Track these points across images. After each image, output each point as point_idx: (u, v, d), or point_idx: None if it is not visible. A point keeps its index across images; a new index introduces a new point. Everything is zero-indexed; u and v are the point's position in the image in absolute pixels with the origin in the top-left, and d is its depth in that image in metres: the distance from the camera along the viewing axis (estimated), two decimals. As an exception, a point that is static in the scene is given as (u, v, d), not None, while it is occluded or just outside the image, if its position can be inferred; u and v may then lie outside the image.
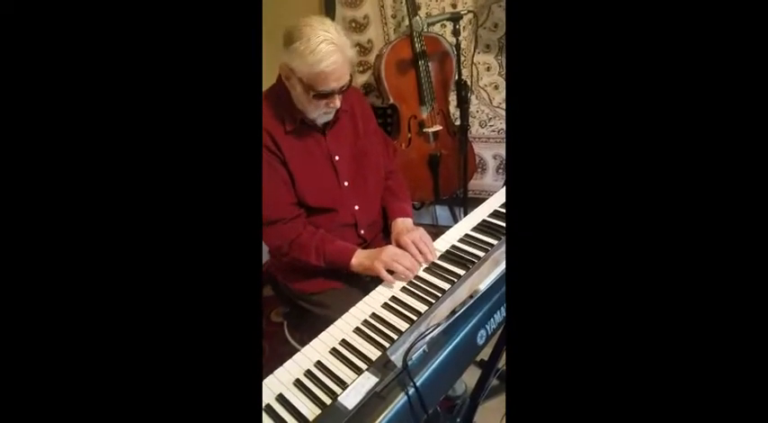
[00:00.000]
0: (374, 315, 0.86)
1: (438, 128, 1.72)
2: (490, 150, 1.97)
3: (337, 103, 0.94)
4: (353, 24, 1.86)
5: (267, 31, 0.88)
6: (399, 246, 1.02)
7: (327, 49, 0.85)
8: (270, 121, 0.98)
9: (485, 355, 0.96)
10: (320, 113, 0.97)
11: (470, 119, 1.84)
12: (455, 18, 1.46)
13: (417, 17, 1.50)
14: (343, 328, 0.84)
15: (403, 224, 1.10)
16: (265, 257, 1.18)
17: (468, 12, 1.57)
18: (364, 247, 1.12)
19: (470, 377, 1.06)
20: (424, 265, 0.98)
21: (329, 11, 1.80)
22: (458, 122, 1.77)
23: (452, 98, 1.77)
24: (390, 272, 0.94)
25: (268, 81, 0.96)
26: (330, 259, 1.02)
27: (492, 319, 0.77)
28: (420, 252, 0.98)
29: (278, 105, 0.99)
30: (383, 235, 1.20)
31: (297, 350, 0.81)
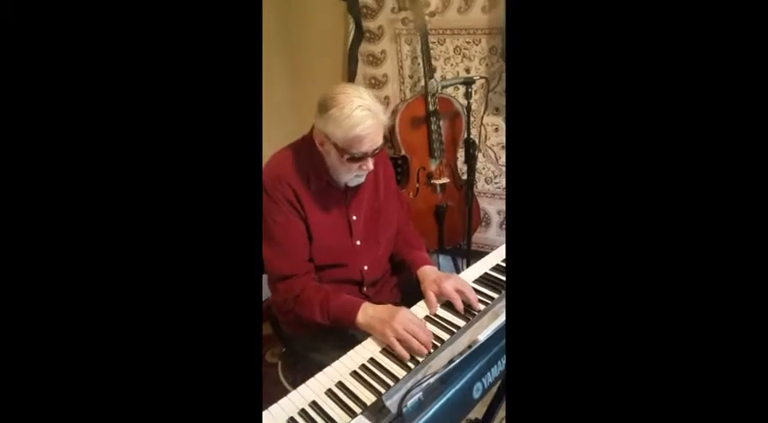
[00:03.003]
0: (372, 360, 0.86)
1: (445, 180, 1.79)
2: (495, 206, 2.02)
3: (370, 165, 0.97)
4: (373, 81, 1.99)
5: (296, 102, 0.94)
6: (440, 293, 1.00)
7: (362, 115, 0.89)
8: (295, 176, 1.01)
9: (479, 414, 0.94)
10: (352, 176, 1.00)
11: (477, 175, 1.91)
12: (468, 82, 1.57)
13: (433, 79, 1.61)
14: (340, 370, 0.84)
15: (433, 272, 1.07)
16: (266, 294, 1.19)
17: (481, 77, 1.68)
18: None
19: (464, 435, 1.03)
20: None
21: (351, 68, 1.93)
22: (465, 177, 1.83)
23: (460, 154, 1.85)
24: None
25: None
26: (335, 316, 0.98)
27: (489, 373, 0.77)
28: (467, 300, 0.97)
29: (306, 163, 1.02)
30: (389, 286, 1.20)
31: (288, 391, 0.80)
